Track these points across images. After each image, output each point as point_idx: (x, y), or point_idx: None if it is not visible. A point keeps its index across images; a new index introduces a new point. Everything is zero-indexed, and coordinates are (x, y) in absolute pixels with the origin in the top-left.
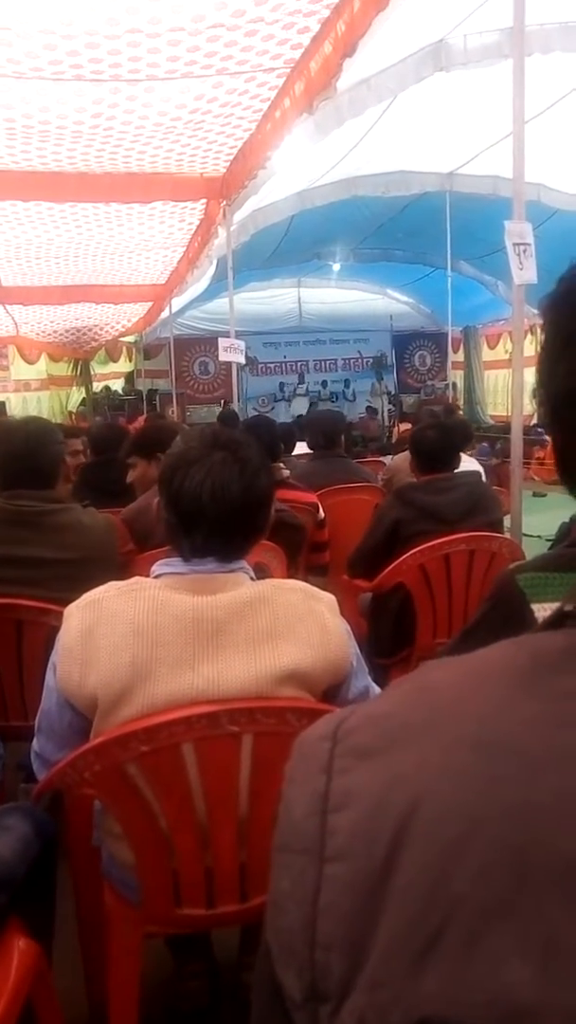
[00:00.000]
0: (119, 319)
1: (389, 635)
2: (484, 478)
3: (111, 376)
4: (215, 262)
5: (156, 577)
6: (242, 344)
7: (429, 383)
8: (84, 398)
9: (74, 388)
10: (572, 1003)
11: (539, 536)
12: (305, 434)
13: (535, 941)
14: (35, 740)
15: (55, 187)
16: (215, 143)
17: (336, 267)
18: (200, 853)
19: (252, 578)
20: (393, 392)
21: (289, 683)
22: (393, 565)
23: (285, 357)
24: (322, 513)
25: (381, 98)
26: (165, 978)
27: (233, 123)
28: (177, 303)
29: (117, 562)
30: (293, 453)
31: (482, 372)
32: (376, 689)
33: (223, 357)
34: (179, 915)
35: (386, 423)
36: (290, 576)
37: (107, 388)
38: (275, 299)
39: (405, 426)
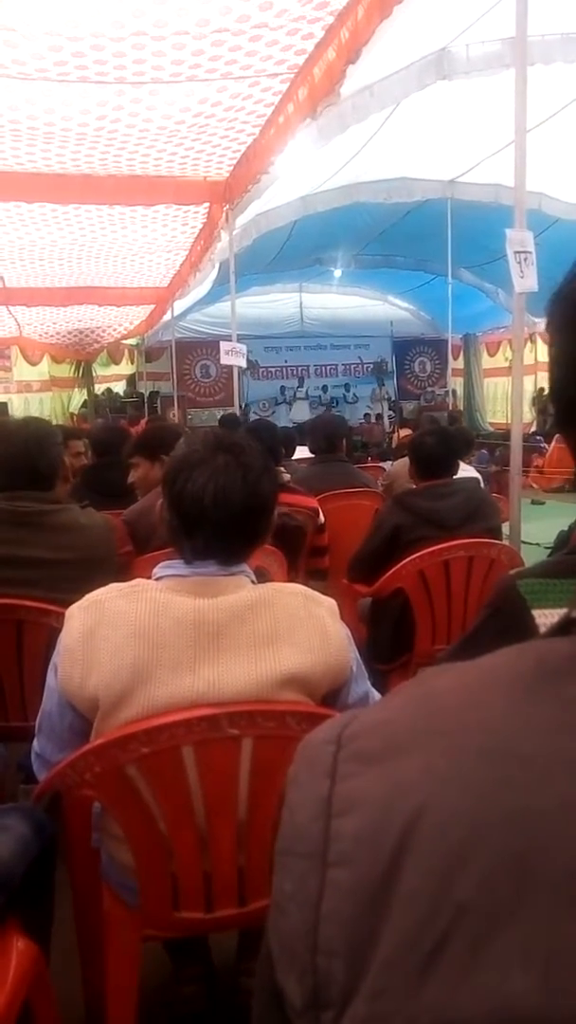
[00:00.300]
0: (121, 321)
1: (388, 640)
2: (482, 485)
3: (113, 378)
4: (217, 266)
5: (158, 579)
6: (244, 348)
7: (429, 389)
8: (86, 400)
9: (76, 390)
10: (573, 1014)
11: (537, 544)
12: (307, 438)
13: (537, 950)
14: (35, 741)
15: (59, 189)
16: (219, 147)
17: (337, 273)
18: (199, 856)
19: (253, 581)
20: (393, 398)
21: (289, 687)
22: (392, 570)
23: (286, 361)
24: (322, 518)
25: (384, 105)
26: (163, 982)
27: (237, 127)
28: (179, 306)
29: (116, 563)
30: (294, 457)
31: (482, 379)
32: (376, 694)
33: (225, 360)
34: (177, 918)
35: (386, 429)
36: (290, 580)
37: (109, 390)
38: (277, 304)
39: (405, 432)
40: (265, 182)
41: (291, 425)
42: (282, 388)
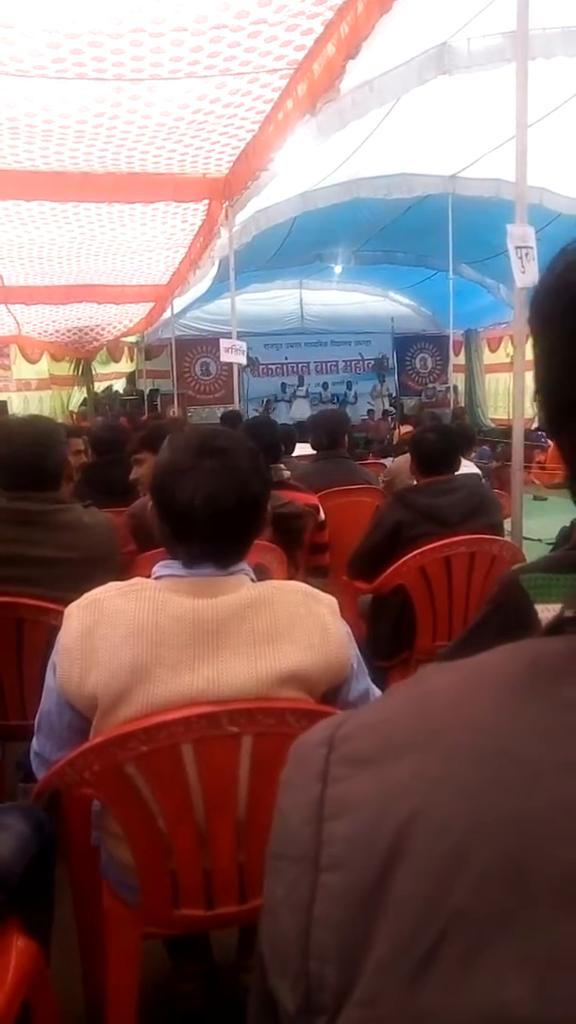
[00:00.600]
0: (121, 319)
1: (388, 637)
2: (483, 481)
3: (112, 376)
4: (217, 263)
5: (157, 578)
6: (243, 345)
7: (430, 386)
8: (85, 398)
9: (75, 388)
10: (569, 1021)
11: (539, 540)
12: (309, 434)
13: (533, 955)
14: (34, 739)
15: (58, 187)
16: (218, 144)
17: (338, 269)
18: (199, 853)
19: (252, 579)
20: (394, 394)
21: (289, 685)
22: (393, 567)
23: (286, 358)
24: (323, 515)
25: (384, 100)
26: (163, 979)
27: (236, 124)
28: (179, 304)
29: (118, 562)
30: (294, 454)
31: (483, 375)
32: (376, 692)
33: (224, 358)
34: (177, 916)
35: (388, 425)
36: (290, 577)
37: (109, 388)
38: (277, 300)
39: (406, 428)
40: (265, 179)
41: (290, 423)
42: (283, 385)
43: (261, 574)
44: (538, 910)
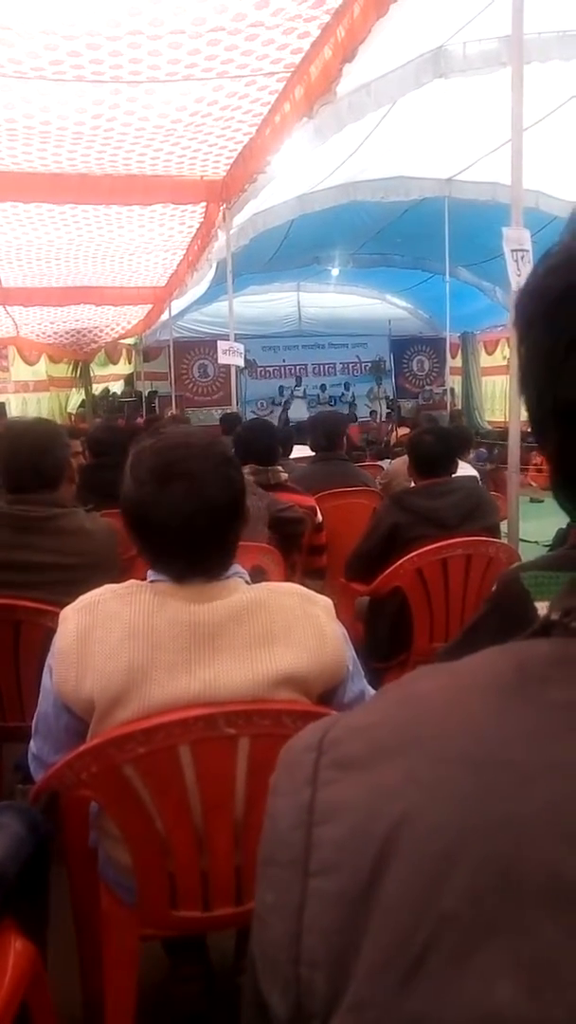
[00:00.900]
0: (119, 321)
1: (386, 639)
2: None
3: (111, 378)
4: (215, 265)
5: (151, 582)
6: (241, 347)
7: (427, 388)
8: (84, 400)
9: (74, 390)
10: (559, 1022)
11: (536, 542)
12: (307, 435)
13: (523, 959)
14: (32, 742)
15: (55, 189)
16: (215, 146)
17: (335, 272)
18: (196, 855)
19: (247, 582)
20: (391, 397)
21: (285, 687)
22: (390, 569)
23: (284, 361)
24: (320, 517)
25: (380, 103)
26: (161, 981)
27: (233, 126)
28: (177, 306)
29: (118, 567)
30: (291, 456)
31: (480, 378)
32: (372, 693)
33: (222, 360)
34: (175, 917)
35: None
36: (288, 579)
37: (107, 390)
38: (274, 303)
39: (403, 430)
40: (262, 181)
41: (291, 424)
42: (280, 388)
43: (258, 576)
44: (526, 912)
